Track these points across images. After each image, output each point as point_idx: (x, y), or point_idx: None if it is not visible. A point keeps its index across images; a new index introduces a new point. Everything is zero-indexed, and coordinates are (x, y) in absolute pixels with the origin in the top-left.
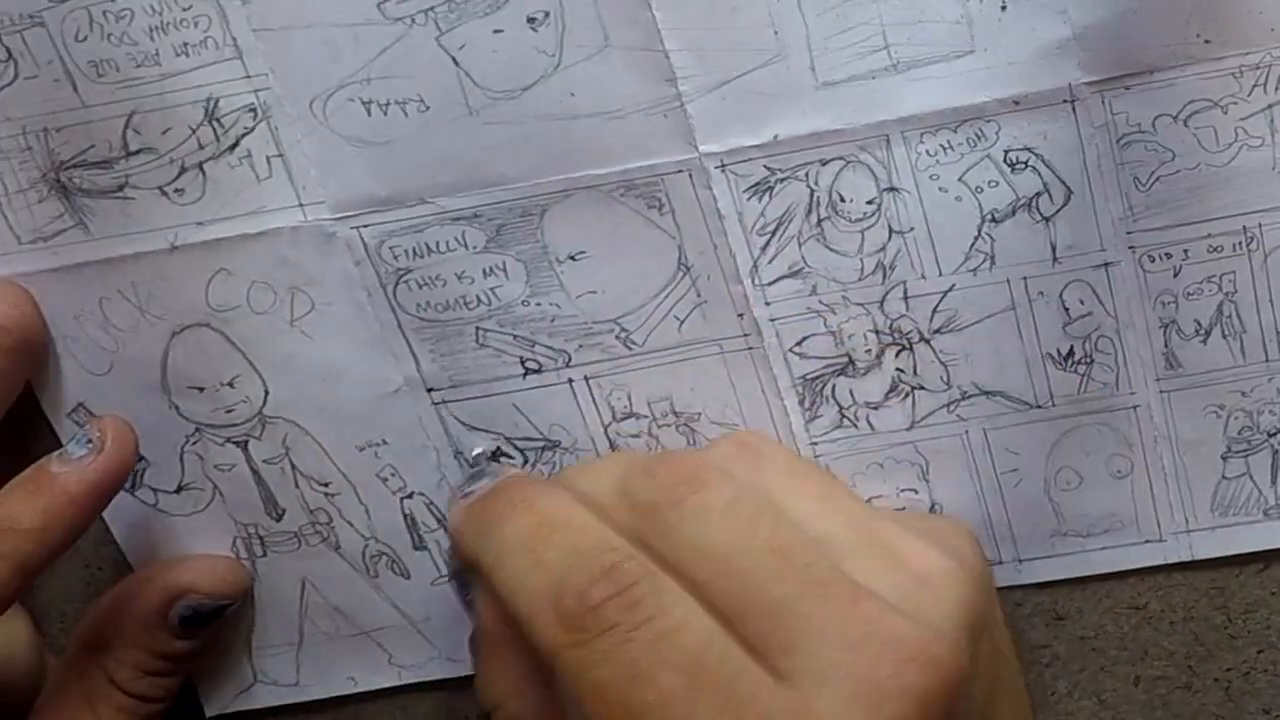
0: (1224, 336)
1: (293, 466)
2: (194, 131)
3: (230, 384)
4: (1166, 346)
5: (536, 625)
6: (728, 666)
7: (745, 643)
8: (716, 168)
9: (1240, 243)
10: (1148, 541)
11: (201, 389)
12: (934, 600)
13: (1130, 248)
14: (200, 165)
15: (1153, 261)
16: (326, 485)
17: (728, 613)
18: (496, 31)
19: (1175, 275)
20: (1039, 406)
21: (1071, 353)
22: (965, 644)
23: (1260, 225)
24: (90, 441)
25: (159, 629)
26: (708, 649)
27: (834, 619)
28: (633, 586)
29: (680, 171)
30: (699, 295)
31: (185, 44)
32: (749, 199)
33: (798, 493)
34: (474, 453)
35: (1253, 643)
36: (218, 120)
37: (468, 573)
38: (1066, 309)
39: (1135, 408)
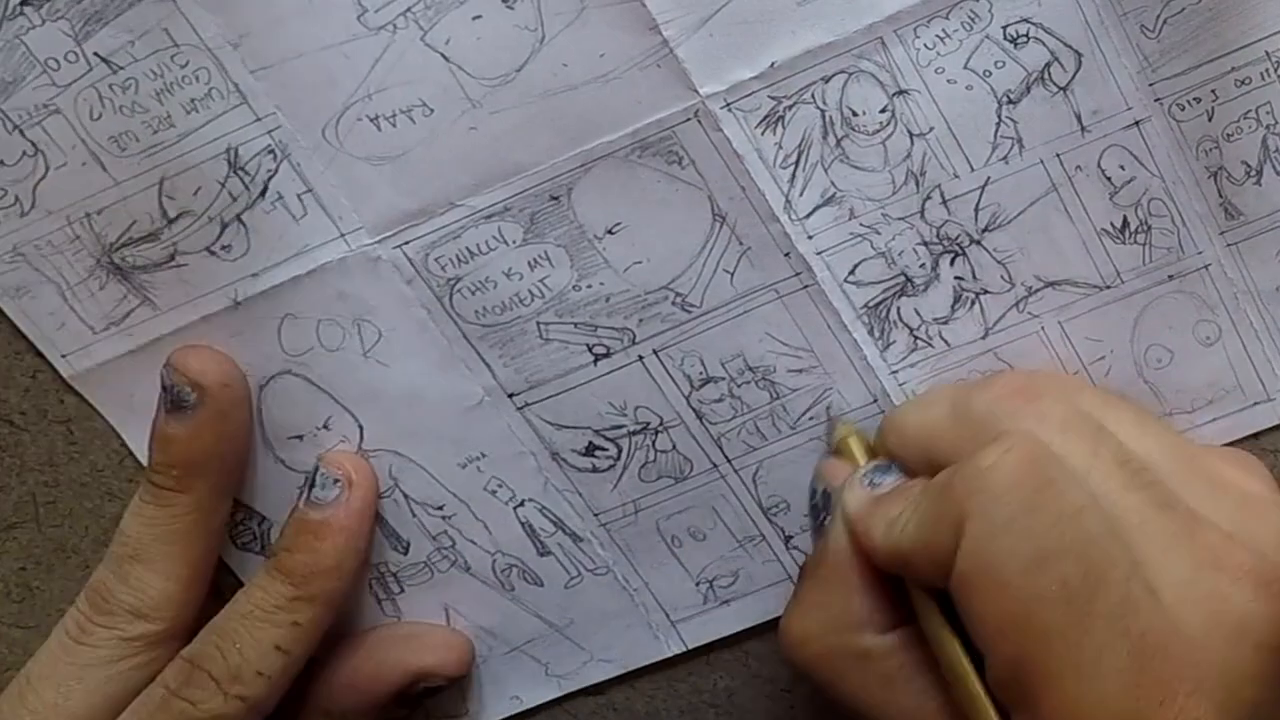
0: (1277, 173)
1: (405, 496)
2: (223, 185)
3: (325, 426)
4: (1221, 196)
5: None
6: (1120, 567)
7: None
8: (722, 108)
9: (1268, 70)
10: (1256, 404)
11: (300, 437)
12: (1258, 527)
13: (1156, 100)
14: (239, 217)
15: (1183, 110)
16: (441, 508)
17: None
18: (475, 18)
19: (1210, 119)
20: (1108, 287)
21: (1126, 223)
22: None
23: None
24: (337, 480)
25: (395, 704)
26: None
27: (1180, 541)
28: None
29: (688, 120)
30: (741, 242)
31: (192, 100)
32: (762, 133)
33: (1115, 418)
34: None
35: None
36: (242, 169)
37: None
38: (1109, 178)
39: (1206, 267)
